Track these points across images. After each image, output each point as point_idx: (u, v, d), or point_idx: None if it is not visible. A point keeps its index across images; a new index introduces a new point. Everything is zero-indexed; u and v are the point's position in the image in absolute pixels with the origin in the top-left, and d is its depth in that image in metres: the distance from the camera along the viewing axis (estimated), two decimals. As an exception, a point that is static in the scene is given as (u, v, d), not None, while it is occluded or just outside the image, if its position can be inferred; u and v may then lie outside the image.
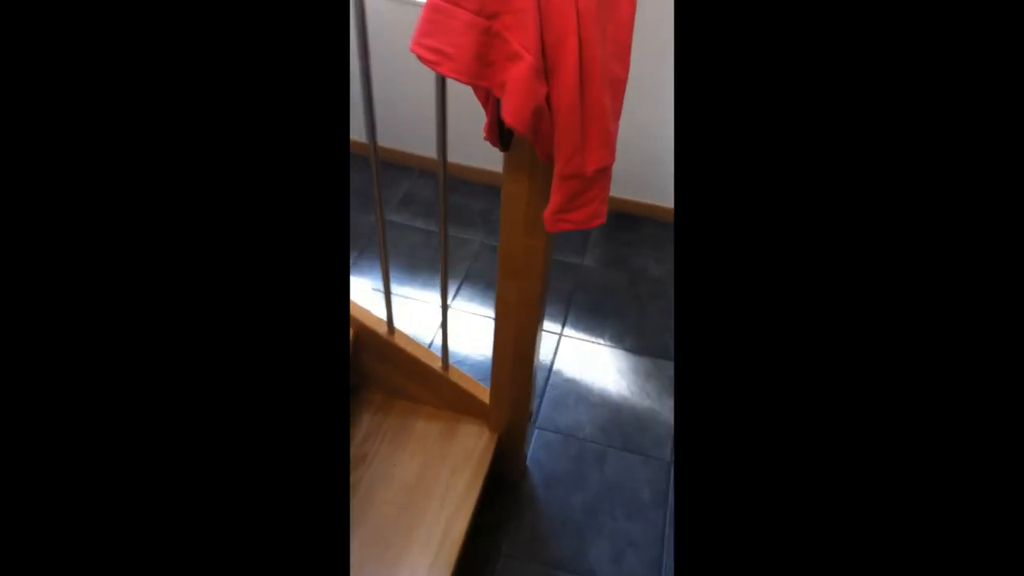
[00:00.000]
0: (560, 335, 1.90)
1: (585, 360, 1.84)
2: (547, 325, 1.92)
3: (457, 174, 2.41)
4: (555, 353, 1.85)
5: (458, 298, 1.99)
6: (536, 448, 1.63)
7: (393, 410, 1.46)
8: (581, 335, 1.91)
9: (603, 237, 2.24)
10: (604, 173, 0.90)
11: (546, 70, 0.83)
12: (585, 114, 0.85)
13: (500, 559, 1.41)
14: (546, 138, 0.89)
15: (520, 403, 1.37)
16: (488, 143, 0.99)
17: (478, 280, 2.05)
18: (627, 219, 2.32)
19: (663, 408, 1.74)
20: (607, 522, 1.49)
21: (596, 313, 1.98)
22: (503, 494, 1.52)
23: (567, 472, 1.58)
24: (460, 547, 1.26)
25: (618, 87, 0.87)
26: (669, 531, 1.48)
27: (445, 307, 1.34)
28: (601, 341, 1.90)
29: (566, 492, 1.54)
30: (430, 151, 2.41)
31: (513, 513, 1.49)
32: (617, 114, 0.88)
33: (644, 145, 2.18)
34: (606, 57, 0.83)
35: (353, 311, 1.38)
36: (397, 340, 1.40)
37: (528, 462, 1.60)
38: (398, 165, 2.45)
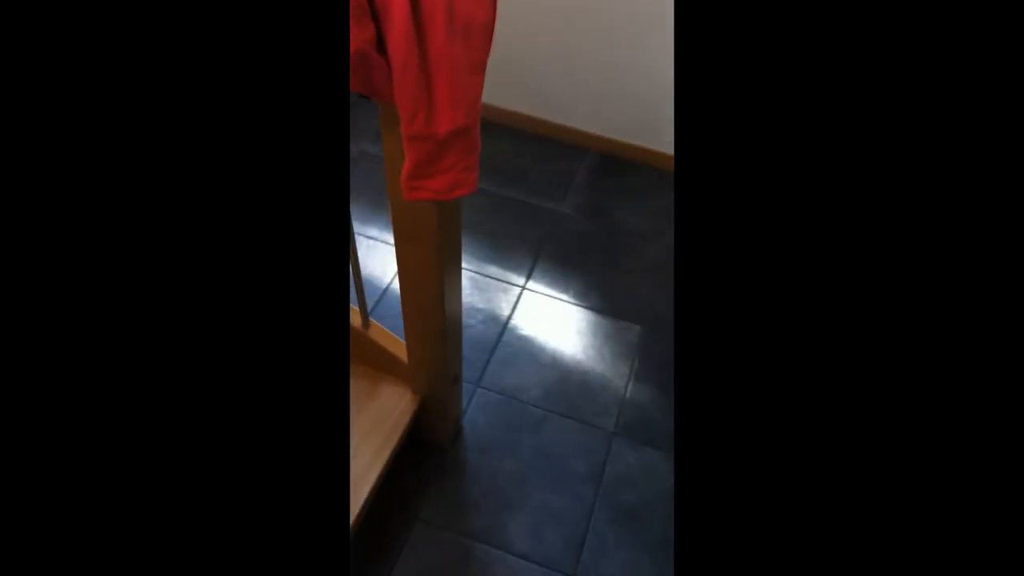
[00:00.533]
0: (523, 288, 1.80)
1: (545, 317, 1.74)
2: (511, 277, 1.82)
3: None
4: (514, 308, 1.76)
5: (422, 241, 1.89)
6: (475, 409, 1.56)
7: (316, 365, 1.40)
8: (545, 289, 1.80)
9: (587, 182, 2.09)
10: (462, 136, 0.77)
11: (375, 9, 0.70)
12: (429, 65, 0.71)
13: (416, 525, 1.37)
14: (385, 92, 0.76)
15: (439, 367, 1.29)
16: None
17: (444, 223, 1.94)
18: (617, 163, 2.15)
19: (616, 375, 1.64)
20: (534, 493, 1.43)
21: (565, 266, 1.86)
22: (431, 458, 1.47)
23: (502, 437, 1.51)
24: (361, 514, 1.21)
25: (477, 33, 0.72)
26: (598, 508, 1.42)
27: (355, 257, 1.24)
28: (565, 297, 1.79)
29: (497, 458, 1.48)
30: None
31: (437, 479, 1.44)
32: (477, 65, 0.74)
33: (638, 84, 1.99)
34: None
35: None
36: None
37: (465, 423, 1.53)
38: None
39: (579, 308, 1.77)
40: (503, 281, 1.81)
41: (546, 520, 1.39)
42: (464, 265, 1.84)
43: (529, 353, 1.67)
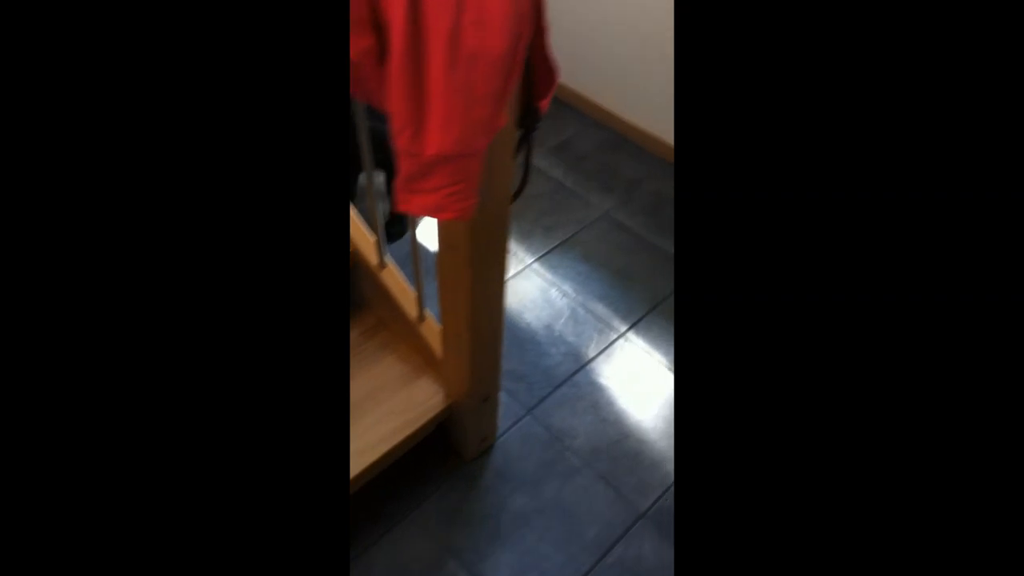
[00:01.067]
0: (621, 336, 1.71)
1: (630, 372, 1.64)
2: (614, 321, 1.74)
3: (626, 133, 2.23)
4: (601, 352, 1.68)
5: (548, 256, 1.89)
6: (514, 435, 1.53)
7: (376, 336, 1.48)
8: (644, 345, 1.70)
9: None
10: (451, 162, 0.75)
11: (380, 20, 0.71)
12: (425, 86, 0.71)
13: (402, 522, 1.38)
14: (378, 100, 0.77)
15: (468, 382, 1.29)
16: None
17: (574, 248, 1.91)
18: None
19: (673, 458, 1.49)
20: (530, 538, 1.37)
21: (676, 328, 1.73)
22: (449, 464, 1.47)
23: (528, 472, 1.47)
24: (353, 485, 1.26)
25: (487, 65, 0.70)
26: (588, 583, 1.31)
27: (417, 261, 1.28)
28: (662, 359, 1.67)
29: (512, 490, 1.44)
30: (606, 99, 2.25)
31: (445, 485, 1.44)
32: (483, 97, 0.72)
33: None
34: (464, 23, 0.68)
35: (354, 232, 1.40)
36: (384, 276, 1.39)
37: (498, 444, 1.51)
38: (570, 106, 2.33)
39: (671, 374, 1.64)
40: (603, 322, 1.74)
41: (530, 569, 1.33)
42: (571, 293, 1.80)
43: (595, 402, 1.59)
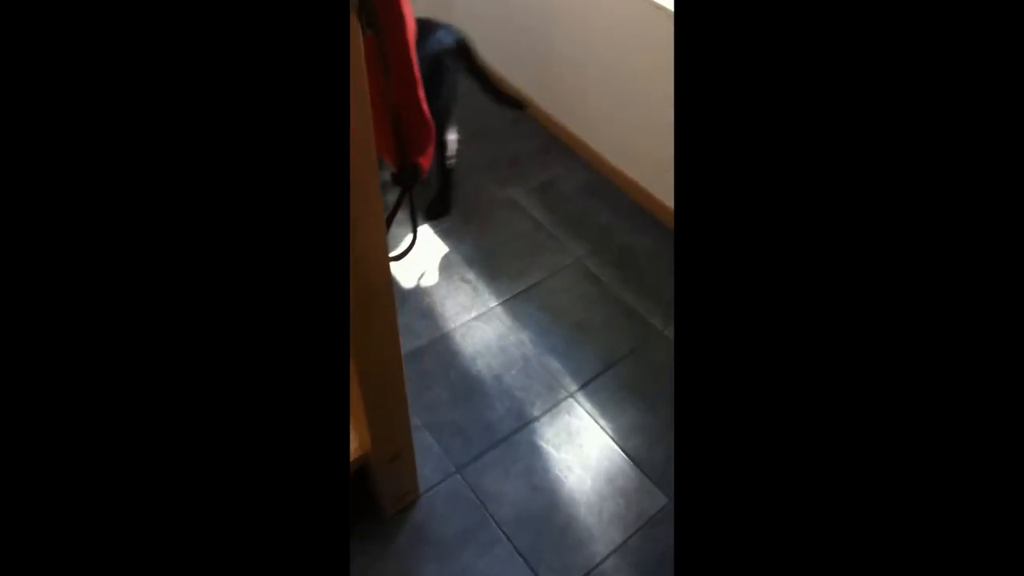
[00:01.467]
0: (570, 395, 1.64)
1: (573, 439, 1.58)
2: (565, 379, 1.68)
3: (610, 176, 2.15)
4: (547, 412, 1.61)
5: (512, 301, 1.82)
6: (442, 494, 1.47)
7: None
8: (591, 408, 1.63)
9: (715, 316, 1.83)
10: None
11: None
12: None
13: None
14: None
15: (368, 442, 1.23)
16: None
17: (539, 295, 1.84)
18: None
19: (603, 538, 1.43)
20: (434, 612, 1.31)
21: (630, 394, 1.66)
22: (368, 519, 1.42)
23: (446, 538, 1.41)
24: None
25: None
26: (486, 667, 1.26)
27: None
28: (607, 427, 1.60)
29: (426, 557, 1.38)
30: (599, 144, 2.17)
31: (358, 545, 1.39)
32: None
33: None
34: None
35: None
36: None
37: (423, 502, 1.46)
38: (568, 148, 2.25)
39: (614, 446, 1.57)
40: (554, 378, 1.67)
41: (427, 646, 1.28)
42: (527, 343, 1.73)
43: (530, 466, 1.53)
